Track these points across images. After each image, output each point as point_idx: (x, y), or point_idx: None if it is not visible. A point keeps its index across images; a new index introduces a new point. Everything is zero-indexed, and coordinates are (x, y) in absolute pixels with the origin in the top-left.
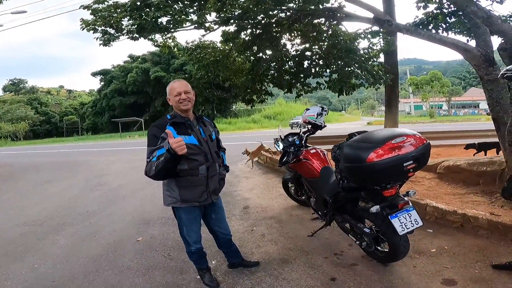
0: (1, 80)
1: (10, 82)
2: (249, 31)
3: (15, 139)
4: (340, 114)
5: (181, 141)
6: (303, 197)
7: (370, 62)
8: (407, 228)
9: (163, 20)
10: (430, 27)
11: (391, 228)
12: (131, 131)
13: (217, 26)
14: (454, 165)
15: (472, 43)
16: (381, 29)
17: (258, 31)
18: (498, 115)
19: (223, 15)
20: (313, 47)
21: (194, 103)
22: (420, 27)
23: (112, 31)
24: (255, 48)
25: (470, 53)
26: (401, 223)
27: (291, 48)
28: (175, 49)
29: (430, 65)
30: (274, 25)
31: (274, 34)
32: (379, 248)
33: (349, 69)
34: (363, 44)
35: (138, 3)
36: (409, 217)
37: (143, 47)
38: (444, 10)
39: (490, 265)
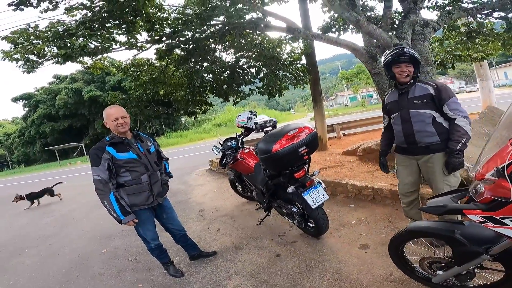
0: None
1: None
2: (181, 46)
3: None
4: (288, 113)
5: (132, 224)
6: (249, 193)
7: (293, 66)
8: (318, 202)
9: (91, 45)
10: (334, 30)
11: (307, 203)
12: (71, 158)
13: (149, 45)
14: (367, 147)
15: None
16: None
17: (190, 46)
18: None
19: (154, 33)
20: (245, 56)
21: (138, 121)
22: (332, 30)
23: (35, 58)
24: (190, 63)
25: (358, 51)
26: (312, 198)
27: (225, 59)
28: (109, 69)
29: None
30: (204, 39)
31: (206, 48)
32: (309, 224)
33: (274, 74)
34: (288, 49)
35: (61, 33)
36: (318, 192)
37: (69, 66)
38: None
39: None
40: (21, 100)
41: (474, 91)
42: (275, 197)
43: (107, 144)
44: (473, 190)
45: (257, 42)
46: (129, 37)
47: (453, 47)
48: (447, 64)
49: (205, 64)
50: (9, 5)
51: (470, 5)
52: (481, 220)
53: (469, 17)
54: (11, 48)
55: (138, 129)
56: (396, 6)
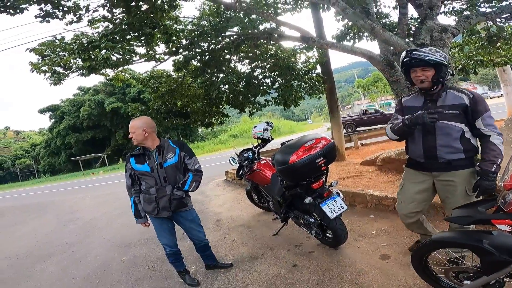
0: None
1: None
2: (198, 57)
3: None
4: (303, 123)
5: (144, 226)
6: (265, 204)
7: (308, 75)
8: (336, 213)
9: (113, 57)
10: (348, 38)
11: (324, 214)
12: (93, 168)
13: (167, 56)
14: (387, 156)
15: None
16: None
17: (206, 58)
18: None
19: (171, 45)
20: (260, 66)
21: (158, 132)
22: (346, 38)
23: (61, 70)
24: (206, 74)
25: (374, 59)
26: (330, 209)
27: (241, 70)
28: (129, 81)
29: (374, 67)
30: (220, 50)
31: (221, 59)
32: (327, 234)
33: (289, 84)
34: (303, 58)
35: (85, 45)
36: (336, 203)
37: (93, 78)
38: None
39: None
40: (47, 112)
41: (498, 96)
42: (292, 208)
43: (130, 155)
44: (502, 200)
45: (272, 52)
46: (148, 49)
47: (473, 52)
48: (469, 69)
49: (221, 75)
50: (36, 17)
51: (489, 9)
52: (510, 229)
53: (488, 21)
54: (38, 60)
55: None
56: (412, 12)
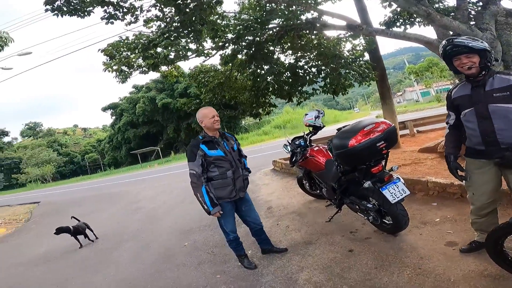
0: (16, 125)
1: (27, 126)
2: (244, 51)
3: (45, 182)
4: (349, 112)
5: (218, 215)
6: (317, 191)
7: (356, 62)
8: (397, 197)
9: (171, 54)
10: (398, 24)
11: (385, 198)
12: (149, 161)
13: (214, 51)
14: None
15: None
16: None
17: (251, 51)
18: None
19: (217, 40)
20: (304, 56)
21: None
22: (396, 25)
23: (126, 69)
24: (252, 66)
25: (431, 44)
26: (391, 193)
27: (285, 61)
28: (182, 76)
29: (427, 51)
30: (264, 43)
31: (266, 51)
32: (385, 220)
33: (337, 72)
34: (348, 46)
35: (146, 44)
36: (397, 188)
37: (145, 76)
38: None
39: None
40: (109, 109)
41: None
42: (347, 194)
43: (200, 142)
44: None
45: (315, 42)
46: (197, 45)
47: None
48: None
49: (266, 66)
50: (102, 18)
51: None
52: None
53: None
54: (107, 59)
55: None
56: None
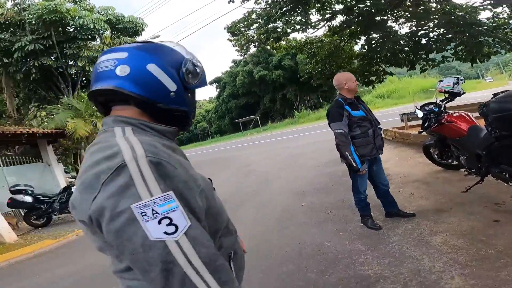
0: None
1: None
2: (355, 21)
3: None
4: (477, 82)
5: (364, 173)
6: (449, 160)
7: (500, 30)
8: None
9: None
10: None
11: None
12: (248, 129)
13: (322, 23)
14: None
15: None
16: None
17: (363, 21)
18: None
19: (323, 12)
20: (424, 25)
21: (299, 95)
22: None
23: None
24: (363, 36)
25: None
26: None
27: (399, 30)
28: (291, 49)
29: None
30: (377, 13)
31: (379, 20)
32: None
33: (478, 40)
34: (487, 14)
35: (266, 19)
36: None
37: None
38: None
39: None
40: (214, 83)
41: None
42: (496, 162)
43: (345, 104)
44: None
45: (442, 10)
46: (305, 19)
47: None
48: None
49: (377, 35)
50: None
51: None
52: None
53: None
54: (231, 37)
55: (298, 103)
56: None
